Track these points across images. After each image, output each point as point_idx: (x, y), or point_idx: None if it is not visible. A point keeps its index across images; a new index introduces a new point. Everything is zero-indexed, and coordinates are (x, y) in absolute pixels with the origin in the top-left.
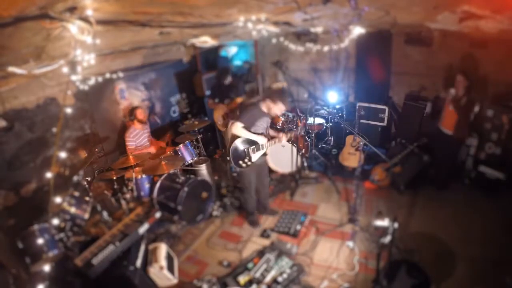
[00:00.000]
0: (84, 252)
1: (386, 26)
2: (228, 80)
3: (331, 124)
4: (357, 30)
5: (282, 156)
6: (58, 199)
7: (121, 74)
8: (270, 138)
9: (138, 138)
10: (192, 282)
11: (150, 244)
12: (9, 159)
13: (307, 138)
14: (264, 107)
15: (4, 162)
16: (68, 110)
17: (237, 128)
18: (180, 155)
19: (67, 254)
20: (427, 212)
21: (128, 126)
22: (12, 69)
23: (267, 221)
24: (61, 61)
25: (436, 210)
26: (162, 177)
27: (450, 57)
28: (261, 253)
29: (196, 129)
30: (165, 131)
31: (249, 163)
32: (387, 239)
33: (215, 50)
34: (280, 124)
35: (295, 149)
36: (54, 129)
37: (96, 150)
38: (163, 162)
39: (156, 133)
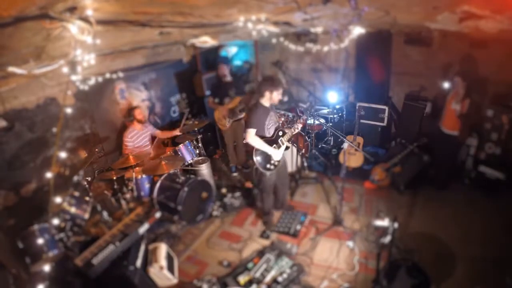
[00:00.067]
0: (84, 252)
1: (386, 26)
2: (225, 71)
3: (331, 124)
4: (357, 30)
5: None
6: (58, 199)
7: (121, 74)
8: (284, 132)
9: (136, 138)
10: (192, 282)
11: (150, 244)
12: (9, 159)
13: (307, 138)
14: (265, 101)
15: (4, 162)
16: (68, 110)
17: (252, 137)
18: (180, 155)
19: (67, 254)
20: (427, 212)
21: (128, 126)
22: (12, 69)
23: None
24: (61, 61)
25: (436, 210)
26: (162, 177)
27: (450, 57)
28: (261, 253)
29: (196, 129)
30: (167, 129)
31: (276, 163)
32: (387, 239)
33: (215, 50)
34: (280, 124)
35: (295, 149)
36: (54, 129)
37: (96, 150)
38: (163, 162)
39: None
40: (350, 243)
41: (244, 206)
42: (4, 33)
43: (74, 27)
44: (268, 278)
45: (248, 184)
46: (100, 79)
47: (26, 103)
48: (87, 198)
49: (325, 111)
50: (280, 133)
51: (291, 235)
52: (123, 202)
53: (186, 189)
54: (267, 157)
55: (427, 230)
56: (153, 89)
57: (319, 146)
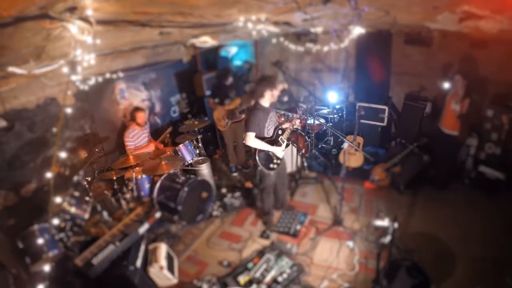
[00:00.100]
0: (84, 252)
1: (386, 26)
2: (229, 80)
3: (331, 124)
4: (357, 30)
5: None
6: (58, 199)
7: (121, 74)
8: (283, 129)
9: (137, 138)
10: (192, 282)
11: (150, 244)
12: (9, 159)
13: (307, 138)
14: (265, 102)
15: (4, 162)
16: (68, 110)
17: (251, 139)
18: (180, 155)
19: (67, 254)
20: (427, 212)
21: (128, 126)
22: (12, 69)
23: None
24: (61, 61)
25: (436, 210)
26: (162, 177)
27: (450, 57)
28: (261, 253)
29: (196, 129)
30: (165, 130)
31: (279, 162)
32: (387, 239)
33: (215, 50)
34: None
35: (295, 149)
36: (54, 129)
37: (96, 150)
38: (163, 162)
39: (157, 133)
40: (350, 243)
41: (244, 206)
42: (4, 33)
43: (74, 27)
44: (268, 278)
45: (248, 184)
46: (100, 79)
47: (26, 103)
48: (87, 198)
49: (325, 111)
50: (280, 132)
51: (291, 235)
52: (123, 202)
53: (186, 189)
54: (269, 157)
55: (427, 230)
56: (153, 89)
57: (319, 146)
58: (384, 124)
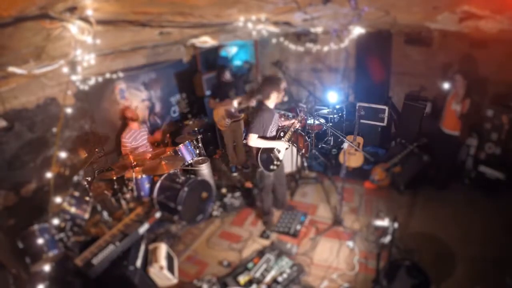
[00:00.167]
0: (84, 252)
1: (386, 26)
2: (227, 76)
3: (331, 124)
4: (357, 30)
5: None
6: (58, 199)
7: (121, 74)
8: (285, 130)
9: (134, 138)
10: (192, 282)
11: (150, 244)
12: (9, 159)
13: (307, 138)
14: (271, 103)
15: (4, 162)
16: (68, 110)
17: (253, 140)
18: (180, 155)
19: (67, 254)
20: (427, 212)
21: (126, 127)
22: (12, 69)
23: None
24: (61, 61)
25: (436, 210)
26: (162, 177)
27: (450, 57)
28: (261, 253)
29: (196, 129)
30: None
31: (278, 163)
32: (387, 239)
33: (215, 50)
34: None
35: (295, 149)
36: (54, 129)
37: (96, 150)
38: (163, 162)
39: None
40: (350, 243)
41: (244, 206)
42: (4, 33)
43: (74, 27)
44: (268, 278)
45: (248, 184)
46: (100, 79)
47: (26, 103)
48: (87, 198)
49: (325, 111)
50: (282, 134)
51: (291, 235)
52: (123, 202)
53: (186, 189)
54: (269, 159)
55: (427, 230)
56: (153, 89)
57: (319, 146)
58: (384, 124)
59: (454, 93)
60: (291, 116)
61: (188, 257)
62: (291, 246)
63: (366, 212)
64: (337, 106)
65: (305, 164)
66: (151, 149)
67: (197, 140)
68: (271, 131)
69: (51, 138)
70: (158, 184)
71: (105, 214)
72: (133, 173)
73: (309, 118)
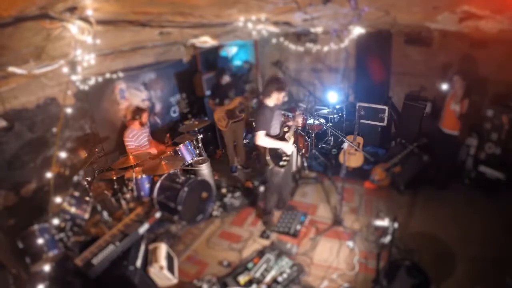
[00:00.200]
0: (84, 252)
1: (386, 26)
2: (225, 80)
3: (331, 124)
4: (357, 30)
5: None
6: (58, 199)
7: (121, 74)
8: (289, 126)
9: (137, 138)
10: (192, 282)
11: (150, 244)
12: (9, 159)
13: (307, 138)
14: (271, 102)
15: (4, 162)
16: (68, 110)
17: (261, 138)
18: (180, 155)
19: (67, 254)
20: (427, 212)
21: (127, 126)
22: (12, 69)
23: None
24: (61, 61)
25: (436, 210)
26: (162, 177)
27: (450, 57)
28: (261, 253)
29: (196, 129)
30: (165, 132)
31: (288, 159)
32: (387, 239)
33: (215, 50)
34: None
35: (295, 149)
36: (54, 129)
37: (96, 150)
38: (163, 162)
39: (156, 134)
40: (350, 243)
41: (244, 206)
42: (4, 33)
43: (74, 27)
44: (268, 278)
45: (248, 184)
46: (100, 79)
47: (26, 103)
48: (87, 198)
49: (325, 111)
50: (286, 129)
51: (291, 235)
52: (123, 202)
53: (186, 189)
54: (279, 154)
55: (427, 230)
56: (153, 89)
57: (319, 146)
58: (384, 124)
59: (453, 93)
60: (291, 116)
61: (188, 257)
62: (291, 246)
63: (366, 212)
64: (337, 106)
65: (305, 164)
66: (152, 151)
67: (197, 140)
68: (274, 128)
69: (51, 138)
70: (158, 184)
71: (105, 214)
72: (133, 173)
73: (309, 118)
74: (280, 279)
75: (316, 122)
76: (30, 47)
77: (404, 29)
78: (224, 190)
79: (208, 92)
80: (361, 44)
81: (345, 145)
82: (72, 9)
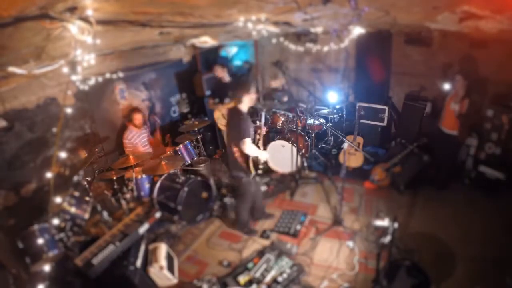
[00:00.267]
0: (84, 252)
1: (386, 26)
2: (219, 71)
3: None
4: (357, 30)
5: (282, 156)
6: (58, 199)
7: (121, 74)
8: (258, 133)
9: (135, 139)
10: (192, 282)
11: (150, 244)
12: (9, 159)
13: (307, 138)
14: (245, 106)
15: (4, 162)
16: (68, 110)
17: (249, 146)
18: (180, 155)
19: (67, 254)
20: (427, 212)
21: (126, 127)
22: (12, 69)
23: (267, 222)
24: (61, 61)
25: (436, 210)
26: (162, 177)
27: (450, 57)
28: (261, 253)
29: (196, 129)
30: (165, 132)
31: (263, 167)
32: (387, 239)
33: (215, 50)
34: (280, 124)
35: (295, 149)
36: (54, 129)
37: (96, 150)
38: (163, 162)
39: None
40: (350, 243)
41: None
42: (4, 33)
43: (74, 27)
44: (268, 278)
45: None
46: (100, 79)
47: (26, 103)
48: (87, 198)
49: (325, 111)
50: (257, 137)
51: (291, 235)
52: (123, 202)
53: (186, 189)
54: (257, 162)
55: (427, 230)
56: (153, 89)
57: (319, 146)
58: (384, 124)
59: (454, 93)
60: (291, 116)
61: (188, 257)
62: (291, 246)
63: (366, 212)
64: (337, 106)
65: (305, 164)
66: (151, 150)
67: (197, 140)
68: (252, 135)
69: (51, 138)
70: (158, 184)
71: (105, 214)
72: (133, 173)
73: (309, 118)
74: (280, 279)
75: (316, 122)
76: (30, 47)
77: (404, 29)
78: (224, 190)
79: (208, 92)
80: (361, 44)
81: (345, 145)
82: (72, 9)
